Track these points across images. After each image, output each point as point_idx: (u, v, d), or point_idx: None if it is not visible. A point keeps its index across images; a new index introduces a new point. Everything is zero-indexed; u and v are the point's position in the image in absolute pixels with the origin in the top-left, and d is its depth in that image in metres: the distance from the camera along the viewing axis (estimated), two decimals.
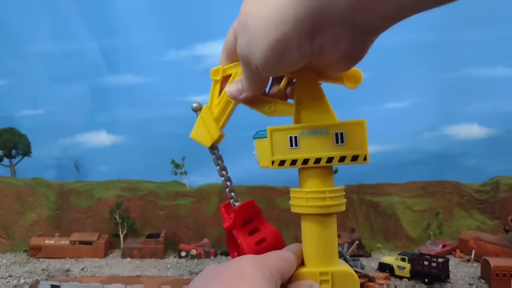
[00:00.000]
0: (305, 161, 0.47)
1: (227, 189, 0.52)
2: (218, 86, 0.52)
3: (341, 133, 0.47)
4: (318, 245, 0.47)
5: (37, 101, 4.65)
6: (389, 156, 4.12)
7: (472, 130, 4.29)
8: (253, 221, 0.51)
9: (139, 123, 4.59)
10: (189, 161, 3.97)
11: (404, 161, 4.19)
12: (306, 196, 0.47)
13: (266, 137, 0.48)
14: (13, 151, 4.43)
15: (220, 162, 0.52)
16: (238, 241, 0.49)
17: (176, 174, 4.03)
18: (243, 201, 0.52)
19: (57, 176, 4.48)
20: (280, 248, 0.49)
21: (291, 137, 0.47)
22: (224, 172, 0.52)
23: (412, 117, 4.25)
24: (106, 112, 4.63)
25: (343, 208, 0.48)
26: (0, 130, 4.38)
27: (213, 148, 0.53)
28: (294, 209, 0.48)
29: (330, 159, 0.46)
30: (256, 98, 0.50)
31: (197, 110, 0.52)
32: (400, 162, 4.16)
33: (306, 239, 0.48)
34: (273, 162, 0.48)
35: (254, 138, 0.49)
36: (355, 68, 0.47)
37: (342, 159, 0.47)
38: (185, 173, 4.02)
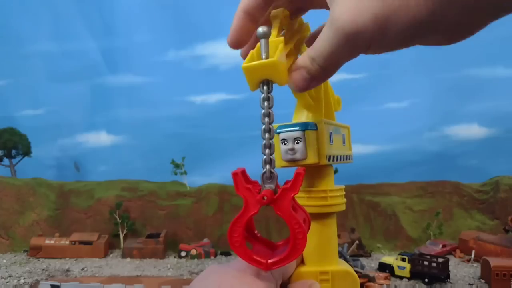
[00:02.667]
0: (338, 158, 0.48)
1: (265, 144, 0.39)
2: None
3: (344, 135, 0.49)
4: (318, 245, 0.47)
5: (37, 101, 4.65)
6: (389, 156, 4.12)
7: (472, 130, 4.29)
8: None
9: (139, 123, 4.59)
10: (189, 161, 3.98)
11: (404, 161, 4.19)
12: (306, 196, 0.47)
13: (316, 129, 0.47)
14: (13, 151, 4.43)
15: (266, 104, 0.40)
16: (290, 219, 0.37)
17: (176, 174, 4.03)
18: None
19: (57, 176, 4.48)
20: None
21: (330, 133, 0.47)
22: (267, 119, 0.40)
23: (412, 117, 4.25)
24: (106, 112, 4.64)
25: (343, 207, 0.49)
26: (0, 130, 4.38)
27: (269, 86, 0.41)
28: None
29: (347, 157, 0.49)
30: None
31: (265, 36, 0.40)
32: (400, 162, 4.16)
33: (311, 238, 0.48)
34: (327, 157, 0.46)
35: (304, 130, 0.44)
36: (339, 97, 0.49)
37: (348, 158, 0.49)
38: (185, 173, 4.01)
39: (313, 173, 0.48)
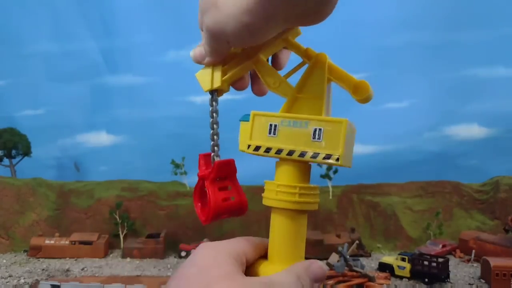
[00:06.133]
0: (279, 151, 0.46)
1: (212, 143, 0.53)
2: None
3: (320, 129, 0.45)
4: (289, 242, 0.46)
5: (37, 101, 4.65)
6: (389, 156, 4.12)
7: (472, 130, 4.29)
8: (226, 179, 0.53)
9: (139, 123, 4.59)
10: (189, 161, 3.97)
11: (404, 161, 4.19)
12: (276, 189, 0.46)
13: (248, 120, 0.48)
14: (13, 151, 4.43)
15: (215, 115, 0.53)
16: (207, 192, 0.51)
17: (176, 174, 4.03)
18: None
19: (57, 176, 4.48)
20: (241, 211, 0.52)
21: (271, 125, 0.47)
22: (215, 126, 0.53)
23: (412, 117, 4.25)
24: (106, 112, 4.63)
25: (316, 207, 0.47)
26: (0, 130, 4.38)
27: (213, 98, 0.53)
28: (266, 202, 0.48)
29: (302, 154, 0.45)
30: (267, 68, 0.50)
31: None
32: (400, 162, 4.16)
33: (275, 234, 0.47)
34: (249, 146, 0.48)
35: (240, 121, 0.49)
36: (364, 81, 0.47)
37: (314, 156, 0.45)
38: (185, 173, 4.02)
39: (288, 167, 0.47)
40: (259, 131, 0.47)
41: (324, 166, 3.51)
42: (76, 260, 3.34)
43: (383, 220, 3.77)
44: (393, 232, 3.71)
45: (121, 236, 3.62)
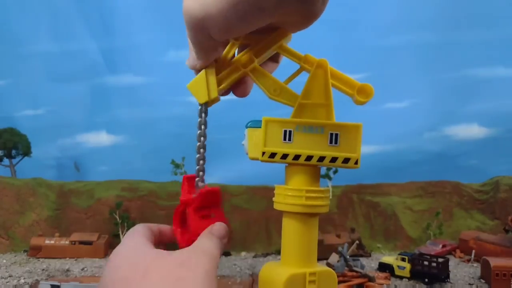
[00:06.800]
0: (297, 157, 0.46)
1: (197, 168, 0.52)
2: (235, 48, 0.51)
3: (336, 134, 0.46)
4: (303, 245, 0.47)
5: (37, 101, 4.64)
6: (389, 156, 4.11)
7: (472, 130, 4.29)
8: (209, 208, 0.51)
9: (139, 123, 4.58)
10: (189, 161, 3.97)
11: (404, 161, 4.19)
12: (283, 193, 0.47)
13: (259, 127, 0.47)
14: (13, 151, 4.42)
15: (203, 127, 0.52)
16: (189, 220, 0.51)
17: (176, 174, 4.03)
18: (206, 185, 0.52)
19: (57, 176, 4.48)
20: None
21: (285, 131, 0.47)
22: (202, 150, 0.53)
23: (412, 117, 4.25)
24: (106, 112, 4.63)
25: (326, 209, 0.48)
26: (0, 130, 4.38)
27: (205, 109, 0.52)
28: (277, 206, 0.48)
29: (321, 158, 0.46)
30: (265, 75, 0.49)
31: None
32: (400, 162, 4.16)
33: (289, 238, 0.47)
34: (263, 153, 0.47)
35: (247, 127, 0.49)
36: (368, 84, 0.47)
37: (333, 160, 0.46)
38: (185, 173, 4.01)
39: (299, 171, 0.47)
40: (273, 137, 0.47)
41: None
42: (76, 260, 3.34)
43: (383, 220, 3.77)
44: (393, 232, 3.71)
45: (121, 236, 3.61)
